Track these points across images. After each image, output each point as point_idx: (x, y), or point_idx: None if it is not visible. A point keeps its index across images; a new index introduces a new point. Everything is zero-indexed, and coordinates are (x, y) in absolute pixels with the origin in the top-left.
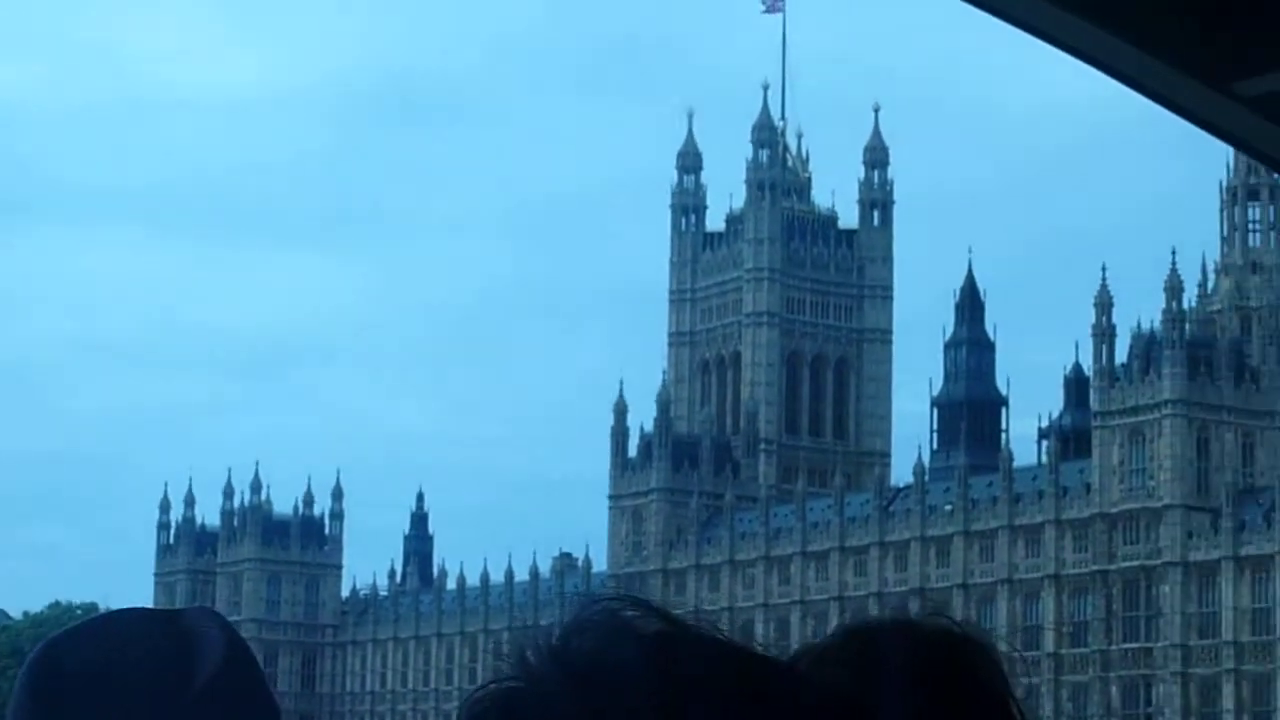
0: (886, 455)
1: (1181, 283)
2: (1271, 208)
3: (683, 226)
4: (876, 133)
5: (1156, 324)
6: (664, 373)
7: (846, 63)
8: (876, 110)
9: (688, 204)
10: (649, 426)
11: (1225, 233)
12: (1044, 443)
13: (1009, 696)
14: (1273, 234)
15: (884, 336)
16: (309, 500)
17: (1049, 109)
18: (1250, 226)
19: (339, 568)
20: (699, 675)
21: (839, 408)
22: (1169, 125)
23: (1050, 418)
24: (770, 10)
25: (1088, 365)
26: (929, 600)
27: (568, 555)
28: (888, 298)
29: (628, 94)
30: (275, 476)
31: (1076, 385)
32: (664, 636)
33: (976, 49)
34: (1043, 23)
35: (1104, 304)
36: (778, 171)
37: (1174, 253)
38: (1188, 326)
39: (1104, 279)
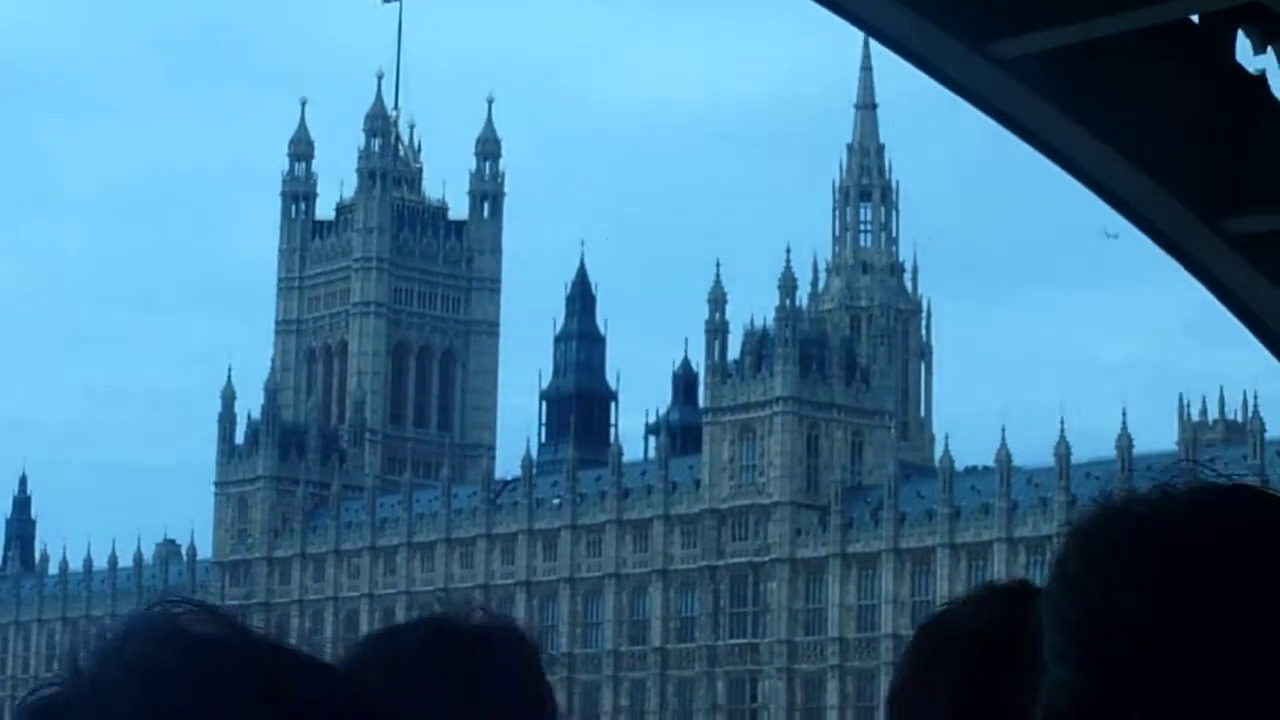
0: (492, 448)
1: (795, 281)
2: (883, 209)
3: (293, 214)
4: (489, 124)
5: (769, 322)
6: (272, 360)
7: (462, 54)
8: (490, 102)
9: (298, 191)
10: (257, 414)
11: (837, 232)
12: (651, 439)
13: (543, 690)
14: (883, 234)
15: (491, 329)
16: None
17: (664, 105)
18: (862, 227)
19: None
20: (244, 679)
21: (445, 399)
22: (787, 124)
23: (658, 414)
24: None
25: (696, 362)
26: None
27: (172, 542)
28: (495, 290)
29: (244, 80)
30: None
31: (685, 381)
32: (214, 640)
33: (592, 43)
34: None
35: (717, 300)
36: (389, 161)
37: (788, 250)
38: (800, 325)
39: (717, 275)
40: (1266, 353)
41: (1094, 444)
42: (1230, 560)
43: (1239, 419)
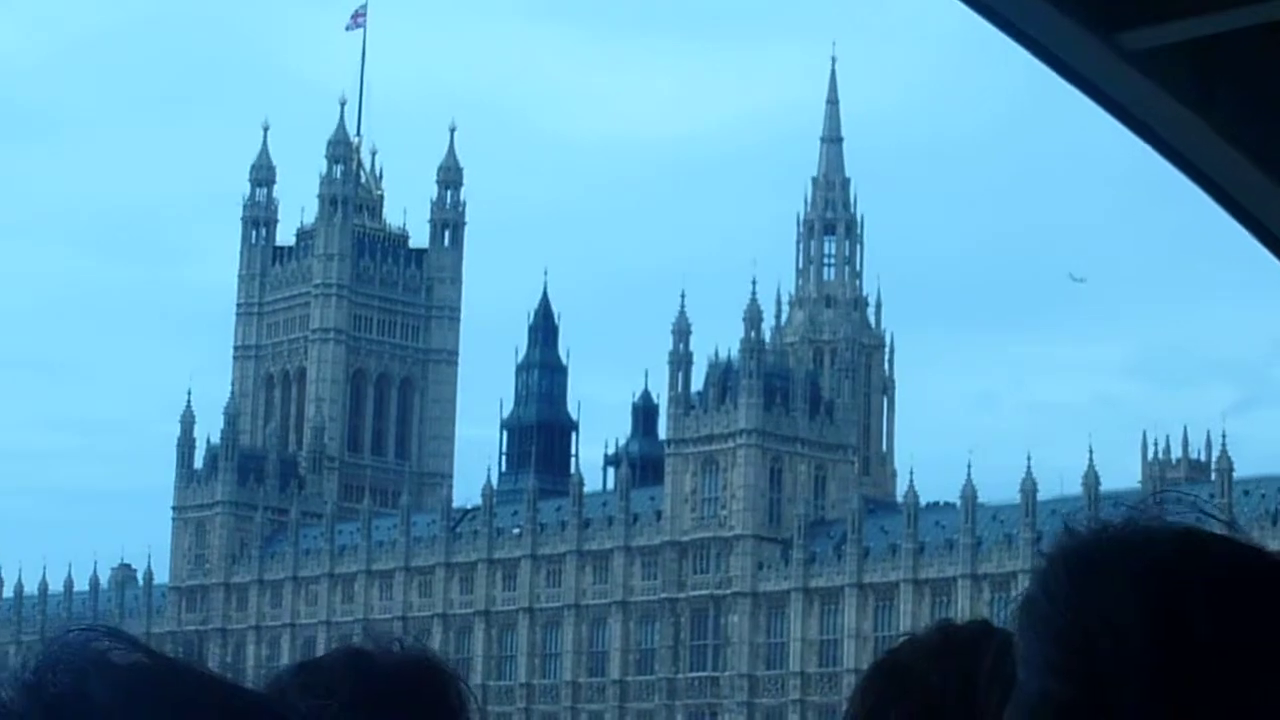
0: (449, 477)
1: (761, 313)
2: (847, 242)
3: (253, 239)
4: (451, 152)
5: (734, 354)
6: (231, 386)
7: (425, 82)
8: (452, 130)
9: (259, 217)
10: (216, 439)
11: (801, 265)
12: (610, 470)
13: None
14: (846, 268)
15: (450, 357)
16: None
17: (629, 136)
18: (825, 260)
19: None
20: (171, 708)
21: (402, 427)
22: (753, 156)
23: (618, 445)
24: (352, 26)
25: (656, 393)
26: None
27: (128, 566)
28: (455, 319)
29: (207, 105)
30: None
31: (645, 413)
32: (138, 669)
33: (556, 73)
34: None
35: (681, 331)
36: (351, 188)
37: (754, 283)
38: (764, 358)
39: (682, 306)
40: (1224, 394)
41: (1055, 482)
42: (1216, 579)
43: (1202, 458)
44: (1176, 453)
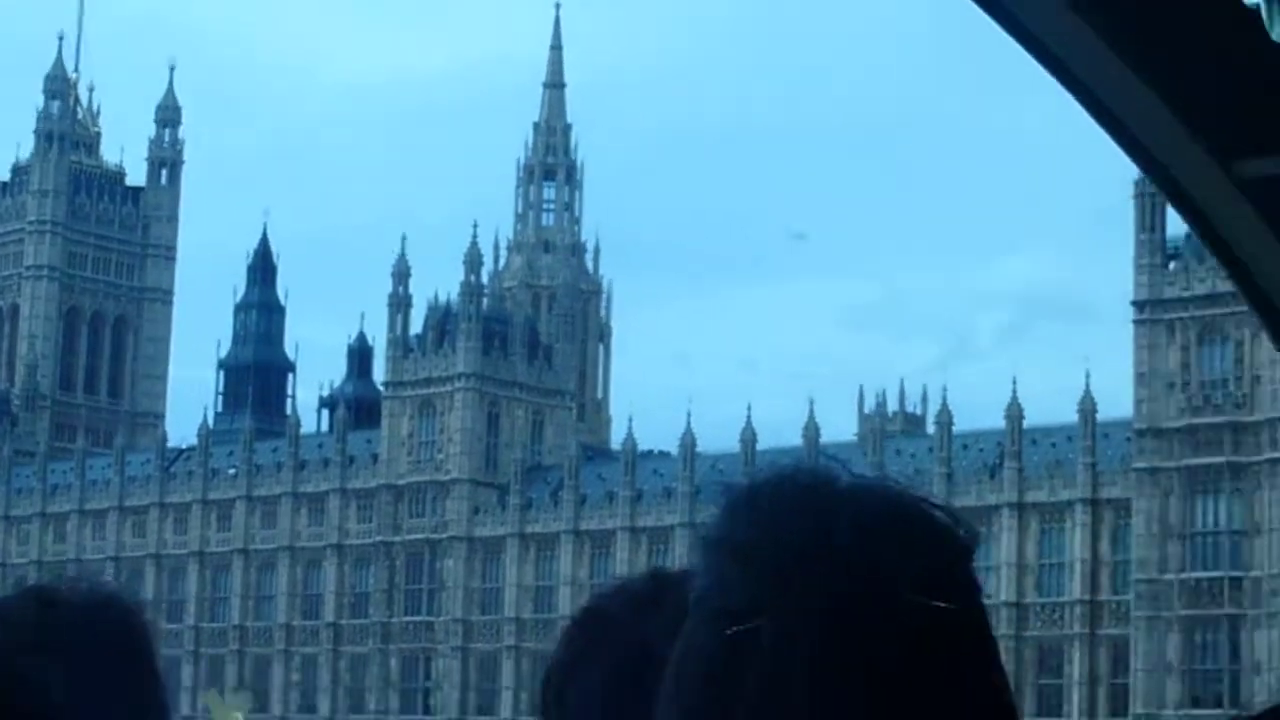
0: (162, 416)
1: (481, 257)
2: (566, 188)
3: None
4: (170, 91)
5: (453, 298)
6: None
7: (145, 19)
8: (171, 68)
9: None
10: None
11: (520, 210)
12: (325, 412)
13: (147, 665)
14: (566, 214)
15: (165, 297)
16: None
17: (354, 80)
18: (545, 206)
19: None
20: None
21: (116, 366)
22: (478, 101)
23: (333, 387)
24: None
25: (373, 336)
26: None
27: None
28: (171, 258)
29: None
30: None
31: (360, 355)
32: None
33: (283, 15)
34: None
35: (401, 274)
36: (68, 124)
37: (475, 227)
38: (483, 302)
39: (402, 249)
40: (929, 351)
41: (774, 434)
42: (858, 512)
43: (917, 412)
44: (893, 406)
